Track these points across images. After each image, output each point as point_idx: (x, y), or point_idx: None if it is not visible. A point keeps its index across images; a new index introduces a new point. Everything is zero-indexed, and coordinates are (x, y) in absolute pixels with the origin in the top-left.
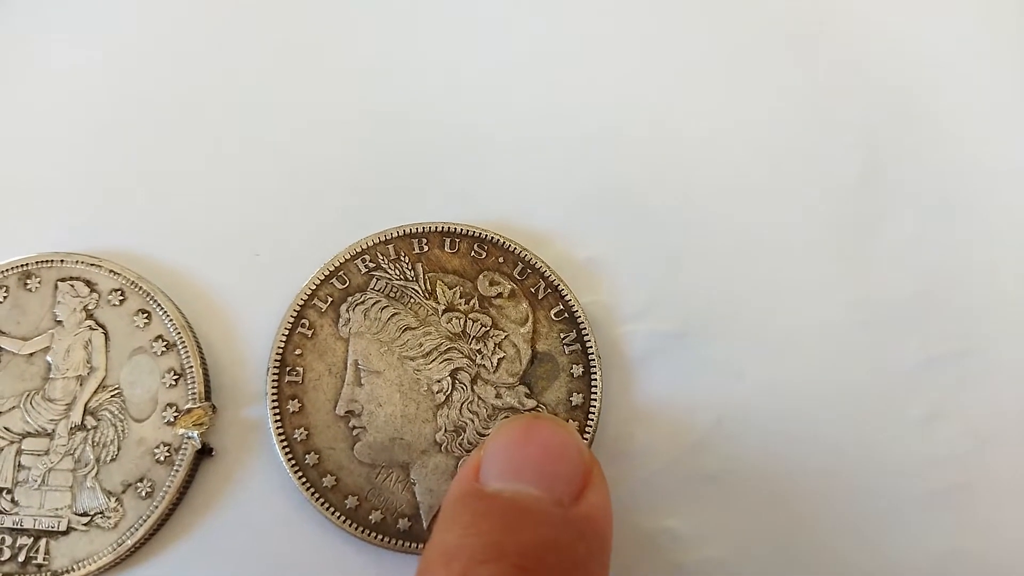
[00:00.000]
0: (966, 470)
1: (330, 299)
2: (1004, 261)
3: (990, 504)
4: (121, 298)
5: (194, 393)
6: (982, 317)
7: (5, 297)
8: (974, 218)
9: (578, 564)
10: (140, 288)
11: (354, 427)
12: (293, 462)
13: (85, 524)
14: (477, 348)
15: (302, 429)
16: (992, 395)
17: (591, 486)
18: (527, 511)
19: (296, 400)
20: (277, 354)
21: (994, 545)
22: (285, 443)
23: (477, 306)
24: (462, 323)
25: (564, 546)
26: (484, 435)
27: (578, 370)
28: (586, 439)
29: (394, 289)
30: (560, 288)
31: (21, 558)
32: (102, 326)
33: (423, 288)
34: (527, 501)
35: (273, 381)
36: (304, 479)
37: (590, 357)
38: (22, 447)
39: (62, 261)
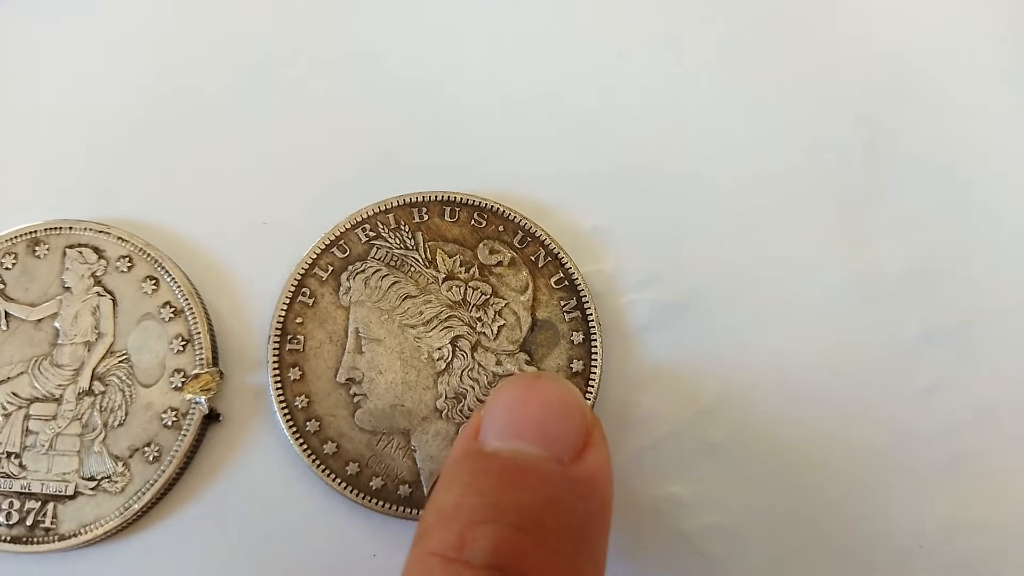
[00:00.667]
0: (968, 440)
1: (331, 268)
2: (1005, 234)
3: (992, 473)
4: (129, 265)
5: (201, 359)
6: (984, 289)
7: (14, 264)
8: (975, 191)
9: (578, 524)
10: (148, 255)
11: (355, 394)
12: (294, 429)
13: (92, 488)
14: (477, 316)
15: (303, 396)
16: (993, 366)
17: (592, 446)
18: (526, 470)
19: (297, 368)
20: (278, 322)
21: (996, 514)
22: (286, 410)
23: (477, 274)
24: (462, 291)
25: (563, 506)
26: (484, 401)
27: (578, 337)
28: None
29: (394, 258)
30: (560, 256)
31: (29, 522)
32: (110, 292)
33: (423, 257)
34: (526, 460)
35: (274, 349)
36: (305, 446)
37: (590, 324)
38: (30, 412)
39: (70, 228)
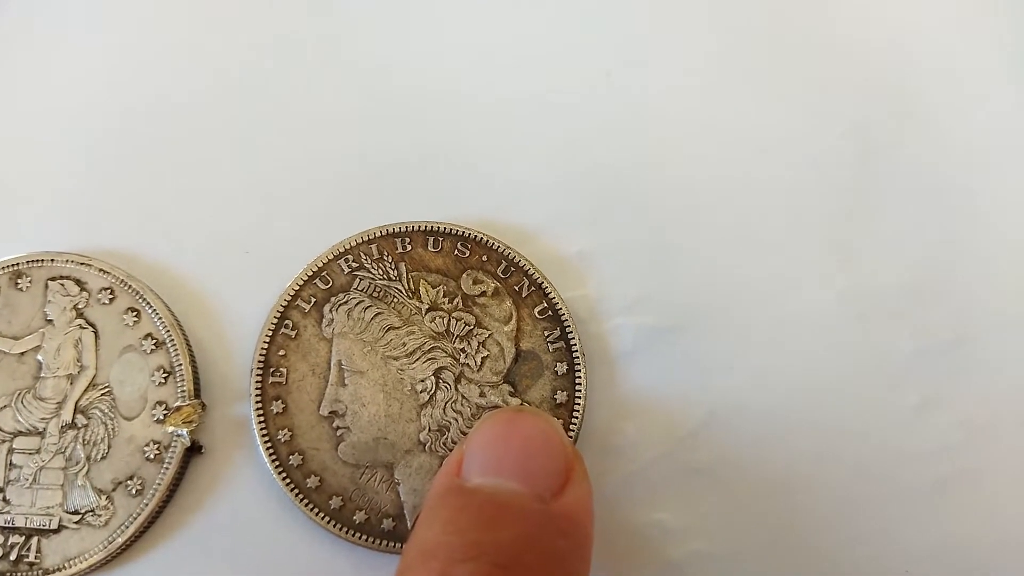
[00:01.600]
0: (959, 459)
1: (313, 299)
2: (996, 250)
3: (984, 493)
4: (111, 297)
5: (183, 391)
6: (974, 307)
7: None
8: (966, 208)
9: (558, 560)
10: (129, 287)
11: (338, 427)
12: (277, 463)
13: (76, 522)
14: (461, 347)
15: (286, 430)
16: (985, 384)
17: (573, 481)
18: (506, 507)
19: (280, 401)
20: (260, 355)
21: (988, 534)
22: (269, 444)
23: (461, 305)
24: (445, 322)
25: (544, 542)
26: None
27: (562, 368)
28: (571, 436)
29: (377, 289)
30: (544, 286)
31: (13, 556)
32: (92, 325)
33: (406, 287)
34: (507, 496)
35: (257, 382)
36: (288, 480)
37: (574, 355)
38: (13, 446)
39: (52, 260)
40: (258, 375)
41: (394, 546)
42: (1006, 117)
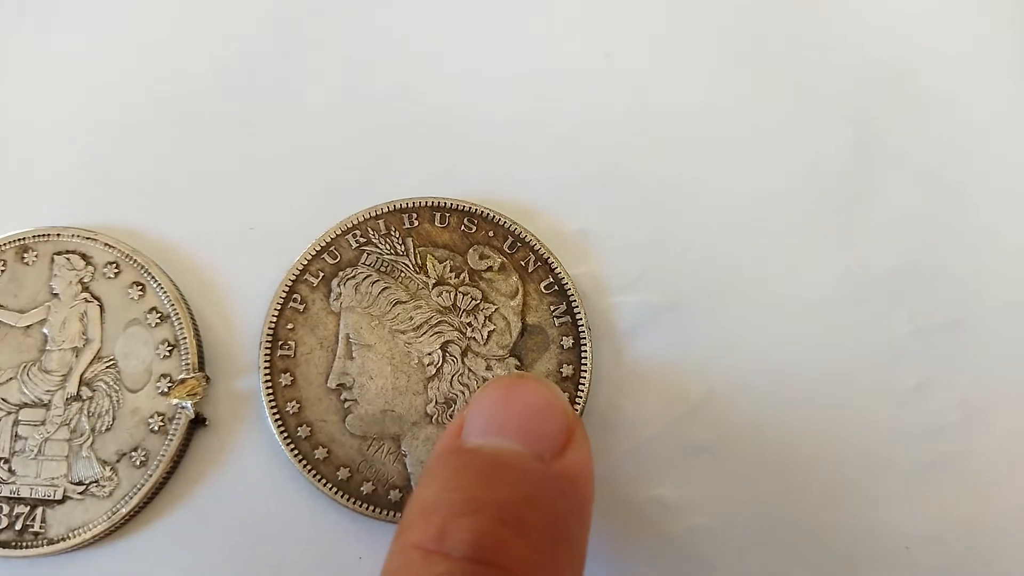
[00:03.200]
0: (956, 440)
1: (321, 274)
2: (992, 233)
3: (980, 473)
4: (116, 271)
5: (187, 364)
6: (972, 288)
7: (2, 270)
8: (963, 190)
9: (558, 520)
10: (135, 261)
11: (345, 400)
12: (285, 435)
13: (80, 493)
14: (467, 321)
15: (294, 402)
16: (982, 365)
17: (573, 443)
18: (507, 465)
19: (288, 374)
20: (269, 329)
21: (984, 514)
22: (277, 416)
23: (467, 279)
24: (452, 296)
25: (544, 501)
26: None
27: (568, 341)
28: (576, 409)
29: (384, 263)
30: (550, 261)
31: (18, 526)
32: (97, 298)
33: (413, 262)
34: (507, 456)
35: (265, 355)
36: (296, 451)
37: (580, 329)
38: (19, 417)
39: (58, 235)
40: (267, 348)
41: (401, 517)
42: (1003, 101)
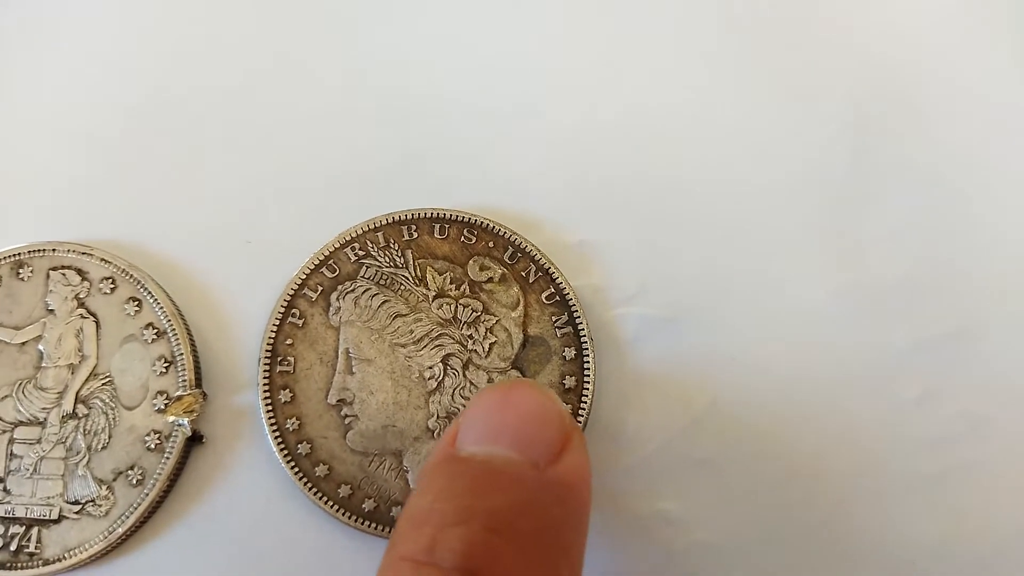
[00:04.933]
0: (961, 451)
1: (320, 288)
2: (995, 241)
3: (985, 485)
4: (112, 286)
5: (184, 380)
6: (974, 298)
7: None
8: (964, 198)
9: (553, 527)
10: (131, 276)
11: (346, 415)
12: (286, 452)
13: (76, 512)
14: (468, 333)
15: (294, 419)
16: (985, 377)
17: (569, 449)
18: (499, 473)
19: (288, 390)
20: (268, 344)
21: (990, 527)
22: (277, 433)
23: (468, 291)
24: (453, 309)
25: (538, 509)
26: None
27: (570, 353)
28: (580, 420)
29: (384, 276)
30: (551, 271)
31: (13, 547)
32: (93, 314)
33: (413, 274)
34: (501, 463)
35: (264, 371)
36: (297, 469)
37: (582, 339)
38: (14, 436)
39: (54, 250)
40: (266, 364)
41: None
42: (1005, 110)
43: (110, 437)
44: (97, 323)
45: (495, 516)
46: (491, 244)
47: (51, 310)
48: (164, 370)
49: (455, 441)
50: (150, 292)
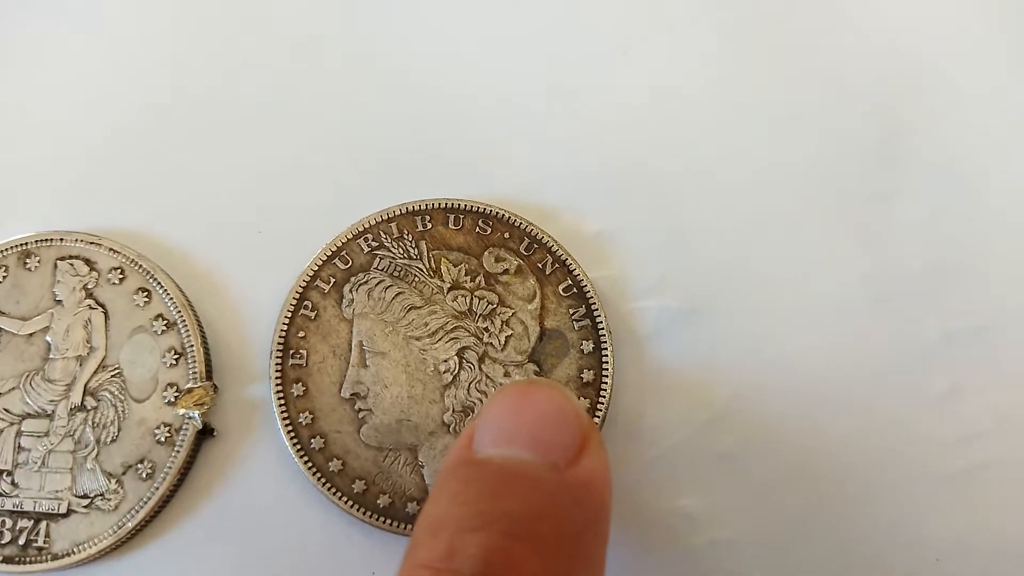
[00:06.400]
0: (988, 447)
1: (333, 280)
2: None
3: (1012, 481)
4: (121, 277)
5: (195, 372)
6: (1001, 291)
7: (4, 277)
8: (992, 189)
9: (573, 531)
10: (140, 266)
11: (360, 409)
12: (298, 447)
13: (85, 506)
14: (484, 326)
15: (307, 413)
16: (1014, 370)
17: (588, 450)
18: (518, 476)
19: (300, 383)
20: (280, 337)
21: (1016, 524)
22: (290, 428)
23: (483, 283)
24: (468, 301)
25: (557, 512)
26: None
27: (588, 346)
28: (598, 416)
29: (398, 268)
30: (568, 263)
31: (21, 541)
32: (102, 305)
33: (427, 266)
34: (518, 466)
35: (276, 365)
36: (310, 464)
37: (600, 332)
38: (22, 428)
39: (61, 240)
40: (278, 357)
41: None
42: None
43: (119, 430)
44: (106, 314)
45: (514, 521)
46: (507, 235)
47: (59, 301)
48: (174, 362)
49: (471, 443)
50: (159, 283)
